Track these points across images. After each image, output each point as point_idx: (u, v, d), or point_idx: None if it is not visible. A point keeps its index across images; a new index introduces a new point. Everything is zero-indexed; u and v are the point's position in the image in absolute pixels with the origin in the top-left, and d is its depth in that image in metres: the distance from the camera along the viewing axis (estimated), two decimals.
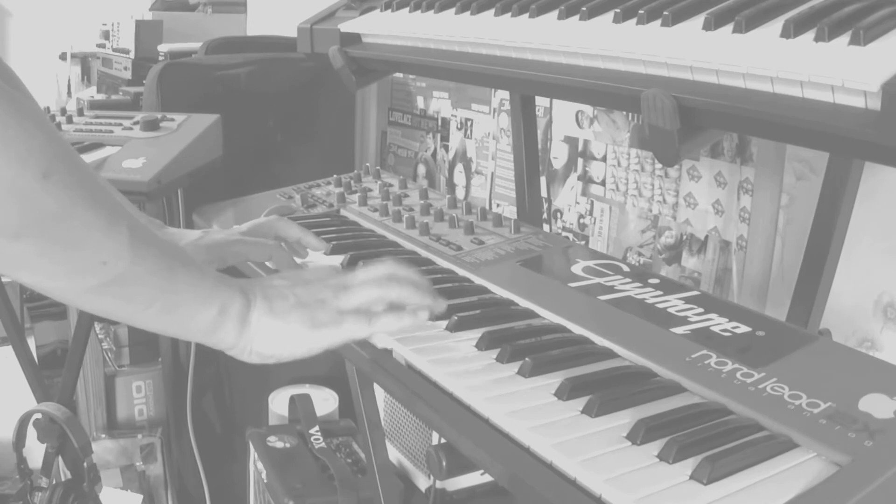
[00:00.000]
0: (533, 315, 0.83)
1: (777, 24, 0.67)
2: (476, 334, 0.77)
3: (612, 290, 0.86)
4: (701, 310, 0.79)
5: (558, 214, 1.60)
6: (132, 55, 2.76)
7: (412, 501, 1.33)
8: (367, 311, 0.76)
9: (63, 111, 1.60)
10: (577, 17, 0.84)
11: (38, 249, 0.59)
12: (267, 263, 0.97)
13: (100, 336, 2.00)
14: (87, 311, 0.68)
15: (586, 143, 1.52)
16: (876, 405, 0.61)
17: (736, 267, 1.26)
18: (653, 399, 0.66)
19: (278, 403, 1.67)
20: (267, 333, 0.73)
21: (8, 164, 0.55)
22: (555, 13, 0.87)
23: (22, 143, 0.56)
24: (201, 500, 1.80)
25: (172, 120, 1.44)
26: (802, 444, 0.59)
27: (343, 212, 1.20)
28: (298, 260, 0.98)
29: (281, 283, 0.76)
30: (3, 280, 1.60)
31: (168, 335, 0.75)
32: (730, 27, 0.70)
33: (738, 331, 0.75)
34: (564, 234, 1.59)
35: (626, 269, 0.92)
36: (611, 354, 0.74)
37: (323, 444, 1.41)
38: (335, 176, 1.34)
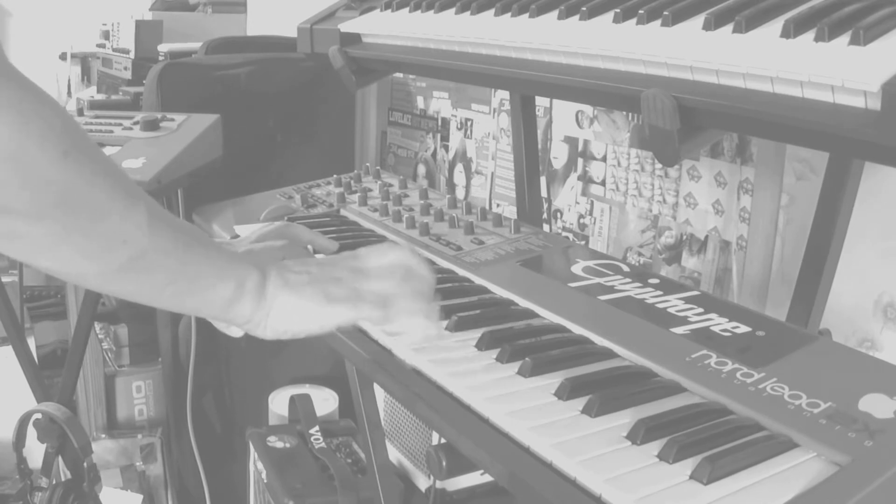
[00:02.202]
0: (533, 315, 0.83)
1: (777, 24, 0.67)
2: (476, 334, 0.77)
3: (612, 290, 0.86)
4: (701, 310, 0.79)
5: (558, 214, 1.60)
6: (132, 55, 2.76)
7: (412, 501, 1.33)
8: (383, 300, 0.75)
9: None
10: (576, 17, 0.84)
11: (60, 230, 0.59)
12: None
13: (100, 336, 2.00)
14: (105, 293, 0.68)
15: (586, 143, 1.52)
16: (876, 405, 0.61)
17: (736, 267, 1.26)
18: (653, 399, 0.66)
19: (278, 403, 1.67)
20: (282, 307, 0.73)
21: (27, 145, 0.55)
22: (555, 13, 0.87)
23: (40, 124, 0.56)
24: (201, 500, 1.80)
25: (172, 120, 1.44)
26: (802, 444, 0.59)
27: (343, 212, 1.20)
28: None
29: (295, 263, 0.77)
30: (3, 280, 1.60)
31: (185, 312, 0.76)
32: (730, 27, 0.70)
33: (738, 331, 0.75)
34: (564, 234, 1.59)
35: (626, 269, 0.92)
36: (611, 354, 0.74)
37: (323, 444, 1.41)
38: (335, 176, 1.34)
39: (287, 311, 0.73)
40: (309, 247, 0.98)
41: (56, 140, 0.57)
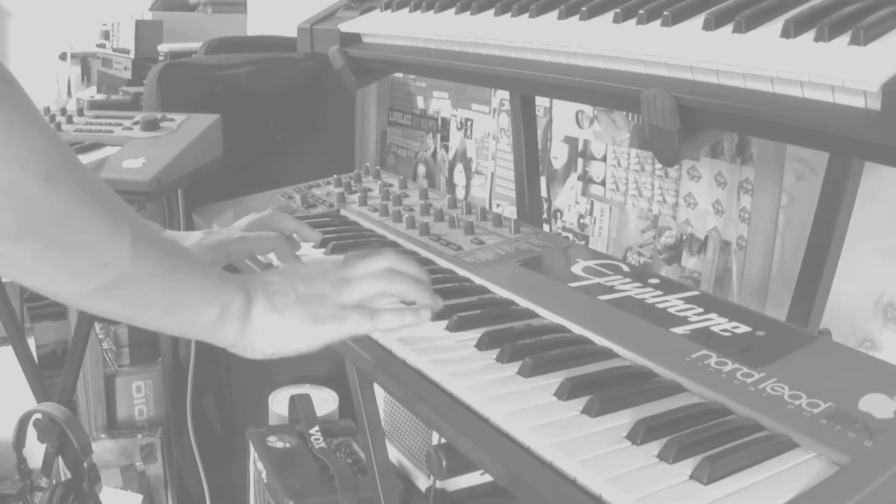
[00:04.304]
0: (533, 315, 0.83)
1: (777, 24, 0.67)
2: (476, 334, 0.77)
3: (612, 290, 0.86)
4: (701, 310, 0.79)
5: (558, 214, 1.60)
6: (132, 55, 2.76)
7: (412, 501, 1.33)
8: (369, 307, 0.76)
9: (63, 111, 1.59)
10: (576, 17, 0.84)
11: (40, 252, 0.59)
12: (269, 256, 0.98)
13: (100, 336, 2.00)
14: (89, 312, 0.68)
15: (586, 143, 1.52)
16: (876, 405, 0.61)
17: (736, 267, 1.26)
18: (653, 399, 0.66)
19: (278, 403, 1.67)
20: (268, 330, 0.73)
21: (9, 166, 0.55)
22: (555, 13, 0.87)
23: (23, 144, 0.56)
24: (201, 500, 1.80)
25: (172, 120, 1.44)
26: (802, 444, 0.59)
27: (343, 212, 1.20)
28: (298, 252, 0.99)
29: (281, 279, 0.76)
30: (3, 280, 1.60)
31: (170, 334, 0.76)
32: (730, 27, 0.70)
33: (738, 331, 0.75)
34: (564, 234, 1.59)
35: (626, 269, 0.92)
36: (611, 354, 0.74)
37: (323, 444, 1.41)
38: (335, 176, 1.34)
39: (274, 333, 0.73)
40: (294, 235, 0.99)
41: (40, 162, 0.57)
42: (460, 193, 1.87)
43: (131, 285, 0.64)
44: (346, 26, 1.17)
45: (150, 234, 0.66)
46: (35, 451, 1.54)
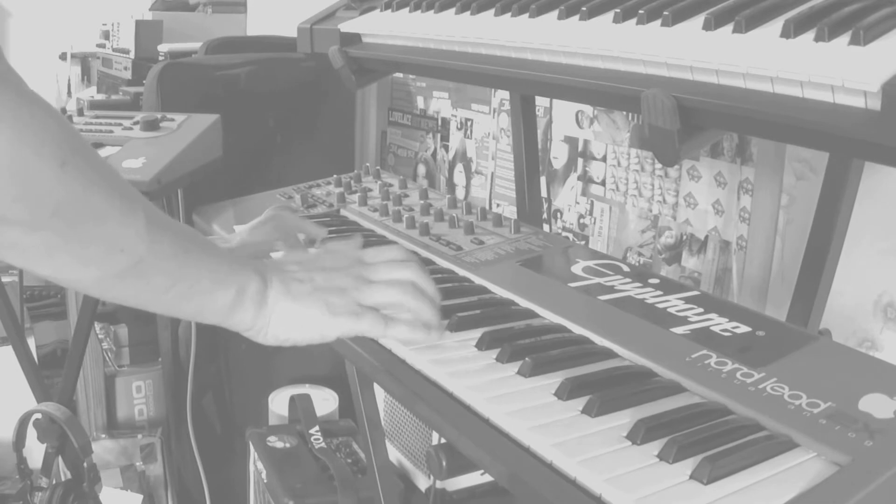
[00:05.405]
0: (533, 315, 0.83)
1: (777, 24, 0.67)
2: (476, 334, 0.77)
3: (612, 290, 0.86)
4: (701, 310, 0.79)
5: (558, 214, 1.60)
6: (132, 55, 2.77)
7: (412, 501, 1.33)
8: (384, 313, 0.76)
9: (63, 111, 1.59)
10: (576, 17, 0.84)
11: (58, 240, 0.59)
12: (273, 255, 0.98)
13: (100, 336, 2.00)
14: (105, 299, 0.68)
15: (586, 143, 1.52)
16: (876, 405, 0.61)
17: (736, 267, 1.26)
18: (653, 399, 0.66)
19: (278, 403, 1.67)
20: (283, 316, 0.73)
21: (24, 155, 0.55)
22: (555, 13, 0.87)
23: (37, 132, 0.55)
24: (201, 500, 1.80)
25: (172, 120, 1.44)
26: (802, 444, 0.59)
27: (343, 212, 1.20)
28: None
29: (299, 268, 0.76)
30: (3, 280, 1.60)
31: (184, 318, 0.76)
32: (730, 27, 0.70)
33: (738, 331, 0.75)
34: (564, 234, 1.59)
35: (626, 269, 0.92)
36: (611, 354, 0.74)
37: (323, 444, 1.41)
38: (335, 176, 1.34)
39: (288, 319, 0.73)
40: (300, 235, 0.99)
41: (54, 150, 0.56)
42: (460, 193, 1.87)
43: (147, 270, 0.64)
44: (346, 26, 1.17)
45: (164, 219, 0.66)
46: (35, 451, 1.54)
